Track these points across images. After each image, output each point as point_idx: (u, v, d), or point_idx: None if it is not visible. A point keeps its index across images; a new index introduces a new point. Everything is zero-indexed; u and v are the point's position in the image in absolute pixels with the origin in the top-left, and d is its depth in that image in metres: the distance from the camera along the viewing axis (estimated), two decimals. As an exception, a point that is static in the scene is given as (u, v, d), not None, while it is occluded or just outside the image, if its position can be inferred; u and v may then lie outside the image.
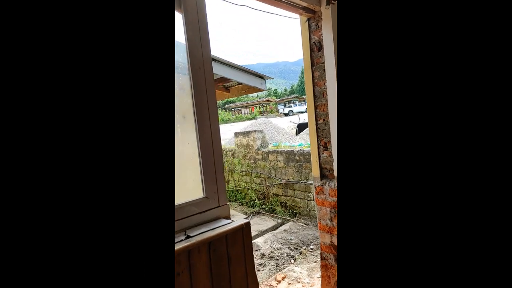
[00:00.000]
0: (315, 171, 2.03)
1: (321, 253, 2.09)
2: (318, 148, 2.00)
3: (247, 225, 1.17)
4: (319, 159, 2.00)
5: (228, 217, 1.27)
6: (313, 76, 1.96)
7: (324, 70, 1.86)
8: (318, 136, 1.99)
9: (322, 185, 1.99)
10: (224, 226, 1.14)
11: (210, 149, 1.23)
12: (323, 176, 2.01)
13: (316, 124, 1.98)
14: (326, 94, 1.88)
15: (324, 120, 1.94)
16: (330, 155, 1.93)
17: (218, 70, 3.87)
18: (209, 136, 1.22)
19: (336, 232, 1.95)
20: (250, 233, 1.19)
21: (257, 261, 3.52)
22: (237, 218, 4.01)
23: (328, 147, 1.94)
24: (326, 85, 1.87)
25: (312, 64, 1.96)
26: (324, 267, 2.06)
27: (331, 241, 1.99)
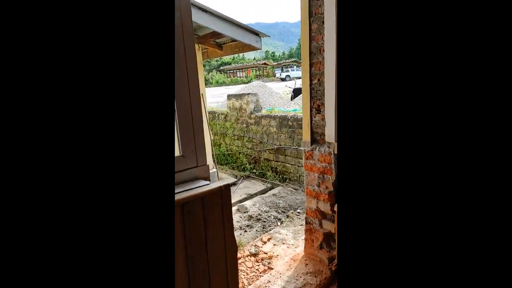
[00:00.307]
0: (306, 136, 1.93)
1: (306, 218, 2.08)
2: (311, 111, 1.87)
3: (227, 187, 1.09)
4: (311, 122, 1.88)
5: (207, 179, 1.18)
6: (310, 29, 1.75)
7: (323, 22, 1.65)
8: (311, 98, 1.84)
9: (312, 150, 1.91)
10: (201, 187, 1.05)
11: (188, 103, 1.09)
12: (313, 140, 1.91)
13: (310, 84, 1.83)
14: (324, 50, 1.69)
15: (319, 80, 1.79)
16: (323, 119, 1.81)
17: (209, 23, 3.54)
18: (186, 88, 1.07)
19: (322, 198, 1.91)
20: (230, 195, 1.10)
21: (244, 222, 3.59)
22: (227, 181, 3.97)
23: (321, 110, 1.81)
24: (324, 40, 1.67)
25: (310, 15, 1.74)
26: (309, 231, 2.06)
27: (317, 206, 1.96)
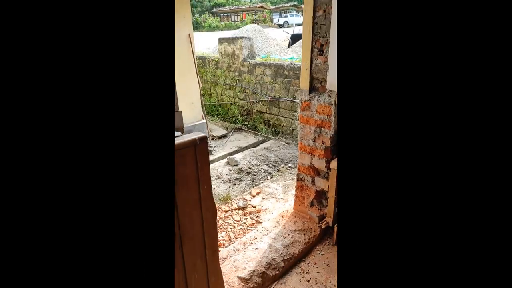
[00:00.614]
0: (304, 82, 1.65)
1: (298, 174, 1.93)
2: (312, 51, 1.56)
3: (203, 140, 0.86)
4: (311, 66, 1.58)
5: (180, 129, 0.95)
6: None
7: None
8: (313, 35, 1.52)
9: (309, 100, 1.65)
10: (167, 139, 0.81)
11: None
12: (312, 88, 1.64)
13: (314, 17, 1.48)
14: (334, -31, 1.32)
15: (324, 11, 1.44)
16: (326, 62, 1.52)
17: None
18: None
19: (317, 154, 1.72)
20: (207, 149, 0.88)
21: (234, 175, 3.49)
22: (217, 133, 3.75)
23: (325, 51, 1.50)
24: (336, -46, 1.29)
25: None
26: (300, 188, 1.93)
27: (310, 163, 1.79)
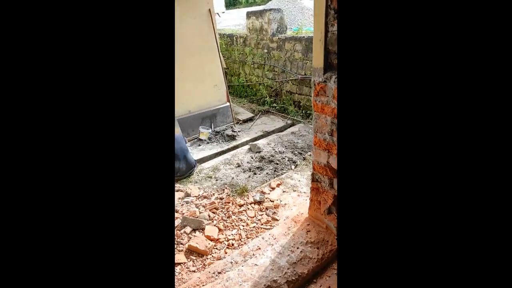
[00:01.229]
0: (317, 58, 1.25)
1: (313, 174, 1.57)
2: (327, 14, 1.13)
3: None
4: (326, 36, 1.17)
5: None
6: None
7: None
8: (328, -10, 1.09)
9: (325, 82, 1.25)
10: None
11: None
12: (328, 66, 1.24)
13: (328, -37, 1.05)
14: None
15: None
16: (345, 28, 1.09)
17: None
18: None
19: (335, 151, 1.34)
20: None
21: (255, 164, 3.23)
22: (243, 116, 3.43)
23: (343, 12, 1.07)
24: None
25: None
26: (315, 190, 1.58)
27: (327, 161, 1.42)
